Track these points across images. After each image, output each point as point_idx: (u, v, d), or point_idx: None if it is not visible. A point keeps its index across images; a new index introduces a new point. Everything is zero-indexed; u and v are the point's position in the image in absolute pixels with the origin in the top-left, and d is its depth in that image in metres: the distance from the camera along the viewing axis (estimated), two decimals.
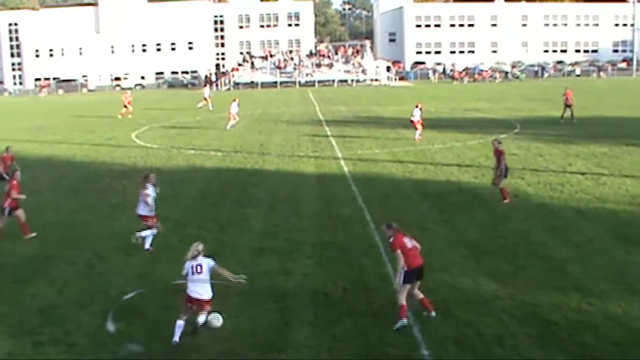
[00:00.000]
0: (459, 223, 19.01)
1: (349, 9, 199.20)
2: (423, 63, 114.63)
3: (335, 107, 58.28)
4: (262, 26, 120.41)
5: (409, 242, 12.58)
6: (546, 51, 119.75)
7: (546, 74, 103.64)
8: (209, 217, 20.74)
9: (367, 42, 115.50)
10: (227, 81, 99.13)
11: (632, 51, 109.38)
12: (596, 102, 56.43)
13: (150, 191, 17.58)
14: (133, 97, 58.62)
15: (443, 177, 25.20)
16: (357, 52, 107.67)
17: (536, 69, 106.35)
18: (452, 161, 28.80)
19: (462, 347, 11.57)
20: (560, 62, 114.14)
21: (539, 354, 11.26)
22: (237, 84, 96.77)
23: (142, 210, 17.53)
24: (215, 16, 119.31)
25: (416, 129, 35.41)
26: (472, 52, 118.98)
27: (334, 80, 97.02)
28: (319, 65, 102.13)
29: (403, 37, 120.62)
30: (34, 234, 18.96)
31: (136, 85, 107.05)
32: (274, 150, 33.51)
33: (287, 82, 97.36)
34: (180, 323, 11.84)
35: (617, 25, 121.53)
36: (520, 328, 12.18)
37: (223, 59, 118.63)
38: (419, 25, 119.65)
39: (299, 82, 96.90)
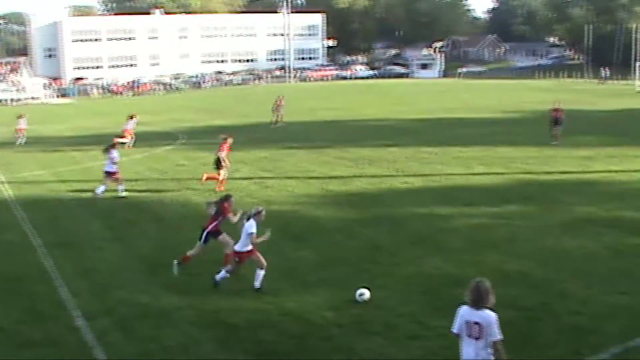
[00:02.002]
0: (131, 238, 18.88)
1: (5, 23, 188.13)
2: (84, 79, 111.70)
3: None
4: None
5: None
6: (205, 62, 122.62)
7: (206, 85, 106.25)
8: None
9: (24, 59, 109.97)
10: None
11: (286, 59, 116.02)
12: (256, 109, 59.00)
13: (116, 154, 24.67)
14: None
15: (110, 193, 24.83)
16: (14, 69, 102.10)
17: (197, 79, 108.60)
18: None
19: None
20: (219, 72, 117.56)
21: (224, 356, 11.59)
22: None
23: (108, 167, 24.38)
24: None
25: (124, 136, 35.58)
26: (133, 65, 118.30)
27: None
28: None
29: (61, 53, 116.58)
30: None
31: None
32: None
33: None
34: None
35: (271, 35, 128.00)
36: (203, 335, 12.42)
37: None
38: (77, 40, 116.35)
39: None
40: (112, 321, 13.09)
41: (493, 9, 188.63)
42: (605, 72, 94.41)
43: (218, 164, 25.06)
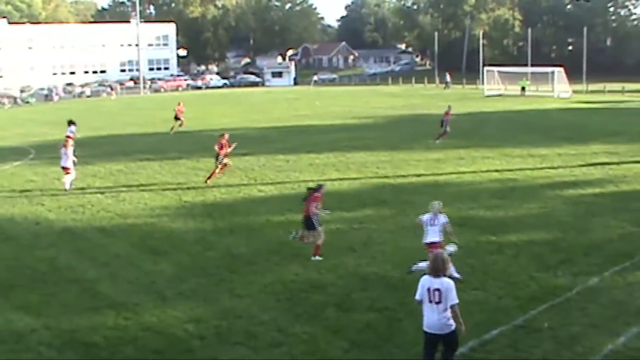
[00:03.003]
0: None
1: None
2: None
3: None
4: None
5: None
6: (55, 74, 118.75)
7: (57, 97, 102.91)
8: None
9: None
10: None
11: (138, 70, 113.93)
12: (109, 121, 57.79)
13: (70, 152, 27.31)
14: None
15: None
16: None
17: (46, 92, 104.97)
18: None
19: None
20: (69, 84, 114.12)
21: None
22: None
23: (63, 162, 27.34)
24: None
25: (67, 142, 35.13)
26: None
27: None
28: None
29: None
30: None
31: None
32: None
33: None
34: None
35: (122, 45, 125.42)
36: (61, 356, 12.09)
37: None
38: None
39: None
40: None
41: (344, 17, 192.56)
42: (447, 77, 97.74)
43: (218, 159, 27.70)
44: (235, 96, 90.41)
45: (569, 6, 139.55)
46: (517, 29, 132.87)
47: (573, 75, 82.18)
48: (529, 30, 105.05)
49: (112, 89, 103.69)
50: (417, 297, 10.21)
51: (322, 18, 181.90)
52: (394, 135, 40.35)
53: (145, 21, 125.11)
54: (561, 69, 76.14)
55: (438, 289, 9.95)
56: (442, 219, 15.44)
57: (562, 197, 23.68)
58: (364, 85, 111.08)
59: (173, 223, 21.17)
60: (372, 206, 22.61)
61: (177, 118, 46.91)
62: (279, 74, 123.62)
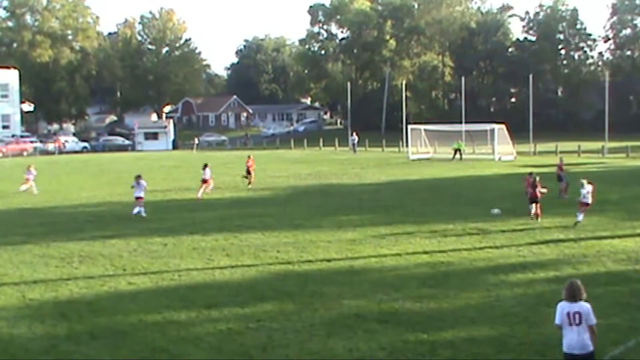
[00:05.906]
0: None
1: None
2: None
3: None
4: None
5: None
6: None
7: None
8: None
9: None
10: None
11: None
12: None
13: (144, 183, 40.23)
14: None
15: None
16: None
17: None
18: None
19: None
20: None
21: None
22: None
23: (137, 193, 39.81)
24: None
25: (206, 184, 48.67)
26: None
27: None
28: None
29: None
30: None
31: None
32: None
33: None
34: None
35: None
36: None
37: None
38: None
39: None
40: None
41: (234, 64, 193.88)
42: (354, 137, 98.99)
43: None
44: (97, 163, 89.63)
45: (510, 49, 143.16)
46: (448, 78, 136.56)
47: (517, 133, 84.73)
48: (463, 79, 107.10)
49: None
50: (557, 321, 13.32)
51: (207, 65, 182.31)
52: (298, 210, 40.48)
53: None
54: (502, 126, 78.45)
55: (578, 312, 13.12)
56: (589, 187, 33.64)
57: (508, 283, 24.02)
58: (260, 149, 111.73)
59: (14, 328, 20.52)
60: (273, 299, 22.44)
61: (249, 173, 55.08)
62: (153, 136, 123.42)
